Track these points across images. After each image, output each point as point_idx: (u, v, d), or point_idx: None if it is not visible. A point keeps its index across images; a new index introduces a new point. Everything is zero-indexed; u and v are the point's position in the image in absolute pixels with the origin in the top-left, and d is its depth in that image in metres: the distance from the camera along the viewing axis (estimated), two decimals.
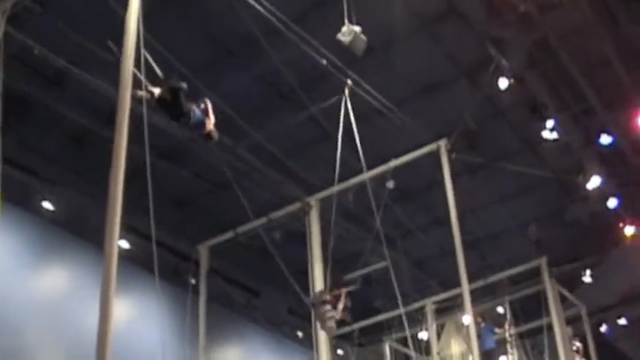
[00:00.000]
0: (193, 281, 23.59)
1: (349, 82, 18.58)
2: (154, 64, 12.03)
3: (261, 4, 16.73)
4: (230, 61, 22.22)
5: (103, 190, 9.42)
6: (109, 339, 8.15)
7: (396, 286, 20.23)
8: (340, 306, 16.25)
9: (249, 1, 16.57)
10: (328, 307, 16.43)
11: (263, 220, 23.29)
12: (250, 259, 28.29)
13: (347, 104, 18.59)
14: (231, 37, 21.57)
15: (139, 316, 24.83)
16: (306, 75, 20.31)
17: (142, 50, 10.85)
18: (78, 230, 24.17)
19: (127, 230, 20.62)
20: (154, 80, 12.20)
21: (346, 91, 18.57)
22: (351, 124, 19.85)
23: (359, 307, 26.10)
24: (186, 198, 27.20)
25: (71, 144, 24.08)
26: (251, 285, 30.53)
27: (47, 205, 24.21)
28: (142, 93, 11.29)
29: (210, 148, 19.52)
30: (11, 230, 22.23)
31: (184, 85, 12.84)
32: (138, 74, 11.05)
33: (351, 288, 16.80)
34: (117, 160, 9.11)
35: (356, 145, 19.21)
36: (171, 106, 12.54)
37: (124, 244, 23.72)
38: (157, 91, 12.01)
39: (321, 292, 17.44)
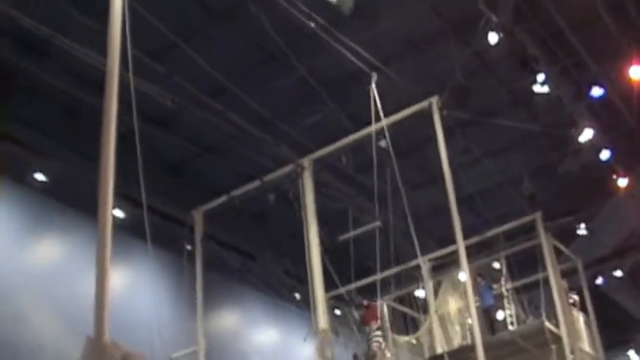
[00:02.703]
0: (189, 247, 23.50)
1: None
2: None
3: None
4: (218, 24, 22.11)
5: (95, 159, 9.34)
6: (106, 308, 8.10)
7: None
8: None
9: None
10: None
11: (256, 183, 23.21)
12: (245, 222, 28.27)
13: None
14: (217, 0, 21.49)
15: (135, 284, 24.85)
16: (294, 36, 20.18)
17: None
18: (71, 200, 24.12)
19: (121, 199, 20.59)
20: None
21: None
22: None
23: (355, 267, 26.15)
24: (179, 164, 27.17)
25: (60, 114, 23.99)
26: (246, 249, 30.51)
27: (39, 176, 24.14)
28: None
29: (200, 112, 19.51)
30: (4, 203, 22.24)
31: None
32: None
33: None
34: (107, 128, 9.01)
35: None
36: None
37: (118, 213, 23.66)
38: None
39: None
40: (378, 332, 22.06)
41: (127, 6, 10.18)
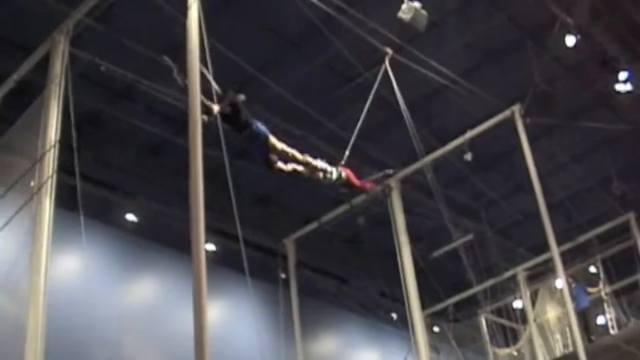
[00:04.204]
0: (283, 276, 23.57)
1: (390, 51, 18.06)
2: (211, 80, 12.05)
3: None
4: (293, 53, 22.23)
5: (183, 196, 9.46)
6: (206, 343, 8.19)
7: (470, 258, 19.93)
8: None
9: None
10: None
11: (345, 207, 23.19)
12: (336, 247, 28.33)
13: (389, 75, 17.94)
14: (291, 28, 21.58)
15: (232, 316, 25.05)
16: (371, 58, 20.18)
17: (199, 65, 10.78)
18: (163, 239, 24.43)
19: (212, 233, 20.79)
20: (212, 96, 12.31)
21: (387, 61, 17.98)
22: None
23: (450, 282, 26.03)
24: (266, 194, 27.32)
25: (146, 155, 24.34)
26: (340, 273, 30.58)
27: (131, 217, 24.55)
28: (203, 117, 11.25)
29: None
30: (98, 246, 22.56)
31: (242, 96, 12.90)
32: (207, 75, 11.09)
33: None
34: (194, 166, 9.14)
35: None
36: (232, 118, 12.69)
37: (210, 247, 23.91)
38: (216, 108, 12.08)
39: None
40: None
41: (207, 45, 10.32)
